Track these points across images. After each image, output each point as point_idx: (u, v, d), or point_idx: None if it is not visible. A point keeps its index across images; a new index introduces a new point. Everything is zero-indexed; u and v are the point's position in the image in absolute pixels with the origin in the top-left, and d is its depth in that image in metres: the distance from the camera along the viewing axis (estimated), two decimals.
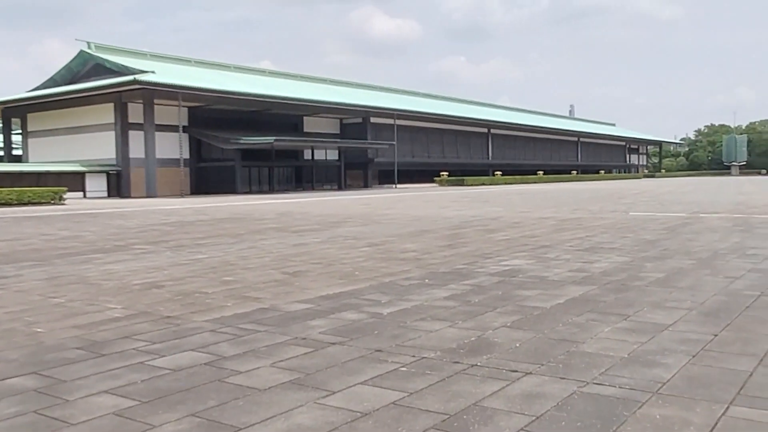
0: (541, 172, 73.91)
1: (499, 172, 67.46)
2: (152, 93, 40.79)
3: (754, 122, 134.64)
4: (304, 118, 55.05)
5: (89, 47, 45.85)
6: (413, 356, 4.43)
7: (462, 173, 64.15)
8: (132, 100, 42.14)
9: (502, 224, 15.46)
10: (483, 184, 58.49)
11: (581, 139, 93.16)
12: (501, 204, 25.14)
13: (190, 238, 13.52)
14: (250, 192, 45.71)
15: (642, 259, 9.12)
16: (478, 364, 4.23)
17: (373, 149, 55.31)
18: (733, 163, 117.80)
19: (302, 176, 52.62)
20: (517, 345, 4.68)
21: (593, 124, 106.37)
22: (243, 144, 43.67)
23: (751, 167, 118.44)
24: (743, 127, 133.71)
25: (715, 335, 4.88)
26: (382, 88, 71.92)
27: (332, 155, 54.30)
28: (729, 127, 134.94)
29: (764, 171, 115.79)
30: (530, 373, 4.01)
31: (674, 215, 17.63)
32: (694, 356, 4.33)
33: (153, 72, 40.71)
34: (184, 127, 43.45)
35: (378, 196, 36.37)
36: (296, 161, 52.49)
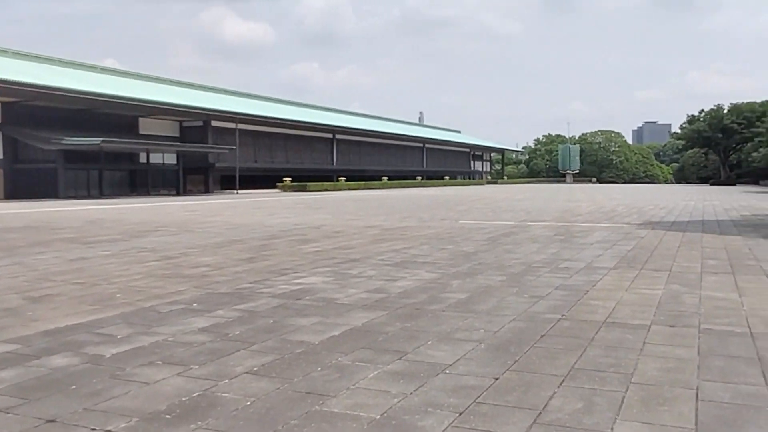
0: (386, 178, 74.21)
1: (343, 178, 66.98)
2: None
3: (586, 133, 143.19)
4: (140, 119, 51.86)
5: None
6: (92, 429, 3.23)
7: (307, 179, 62.99)
8: None
9: (322, 233, 14.48)
10: (326, 190, 57.66)
11: (427, 146, 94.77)
12: (333, 211, 24.26)
13: None
14: (75, 197, 42.15)
15: (452, 275, 8.39)
16: None
17: (215, 154, 53.01)
18: (568, 171, 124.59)
19: (137, 181, 49.43)
20: (248, 404, 3.60)
21: (439, 131, 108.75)
22: (66, 144, 40.20)
23: (583, 175, 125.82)
24: (577, 138, 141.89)
25: (496, 379, 4.04)
26: (225, 91, 69.49)
27: (171, 159, 51.41)
28: (564, 137, 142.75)
29: (594, 179, 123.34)
30: None
31: (502, 224, 17.42)
32: (460, 414, 3.43)
33: None
34: None
35: (213, 202, 34.52)
36: (131, 165, 49.19)
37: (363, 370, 4.24)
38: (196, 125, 54.77)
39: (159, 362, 4.42)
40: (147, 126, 52.42)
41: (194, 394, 3.76)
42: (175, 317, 5.85)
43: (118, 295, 6.97)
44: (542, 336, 5.12)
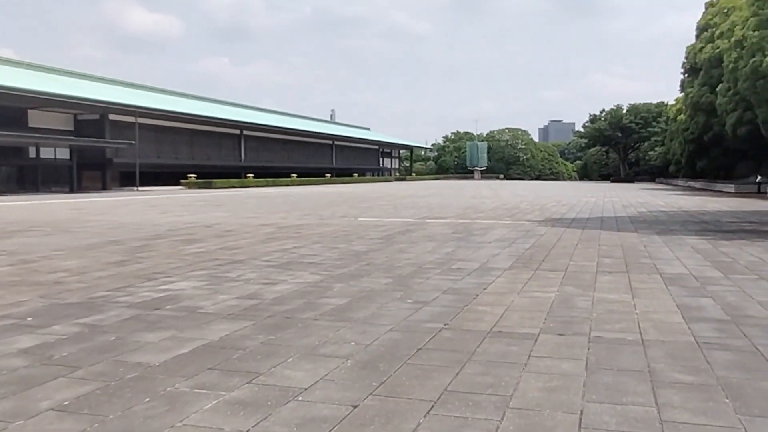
0: (295, 175, 73.06)
1: (251, 175, 65.45)
2: None
3: (494, 131, 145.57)
4: (30, 111, 48.86)
5: None
6: None
7: (214, 176, 61.10)
8: None
9: (213, 233, 13.61)
10: (233, 187, 56.11)
11: (336, 143, 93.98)
12: (233, 209, 23.26)
13: None
14: None
15: (336, 277, 7.77)
16: None
17: (112, 149, 50.54)
18: (476, 168, 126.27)
19: (26, 177, 46.57)
20: None
21: (349, 128, 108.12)
22: None
23: (491, 172, 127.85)
24: (484, 135, 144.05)
25: (355, 407, 3.44)
26: (126, 84, 66.59)
27: (63, 154, 48.67)
28: (472, 134, 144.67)
29: (502, 176, 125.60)
30: None
31: (401, 221, 16.96)
32: None
33: None
34: None
35: (107, 199, 32.73)
36: (19, 159, 46.30)
37: (200, 399, 3.56)
38: (93, 119, 52.05)
39: None
40: (37, 119, 49.42)
41: None
42: None
43: None
44: (418, 350, 4.57)
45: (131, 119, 52.36)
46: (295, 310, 5.88)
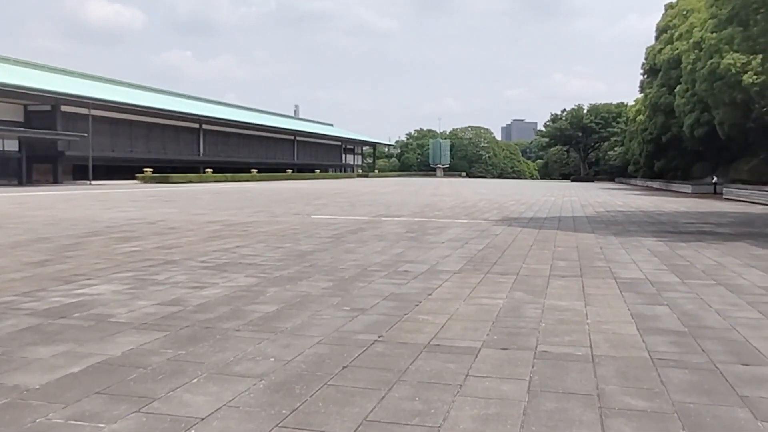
0: (255, 171, 72.03)
1: (210, 170, 64.29)
2: None
3: (457, 129, 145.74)
4: None
5: None
6: None
7: (171, 170, 59.80)
8: None
9: (155, 230, 12.93)
10: (190, 182, 54.95)
11: (298, 138, 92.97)
12: (184, 205, 22.49)
13: None
14: None
15: (273, 280, 7.24)
16: None
17: (65, 141, 49.08)
18: (438, 166, 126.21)
19: None
20: None
21: (311, 124, 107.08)
22: None
23: (453, 169, 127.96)
24: (447, 133, 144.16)
25: None
26: (81, 75, 64.84)
27: (12, 146, 47.10)
28: (436, 132, 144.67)
29: (464, 174, 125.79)
30: None
31: (355, 219, 16.45)
32: None
33: None
34: None
35: (54, 193, 31.60)
36: None
37: None
38: (44, 110, 50.45)
39: None
40: None
41: None
42: None
43: None
44: (344, 367, 4.06)
45: (85, 111, 50.93)
46: (218, 319, 5.33)
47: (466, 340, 4.74)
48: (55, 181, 50.19)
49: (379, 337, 4.82)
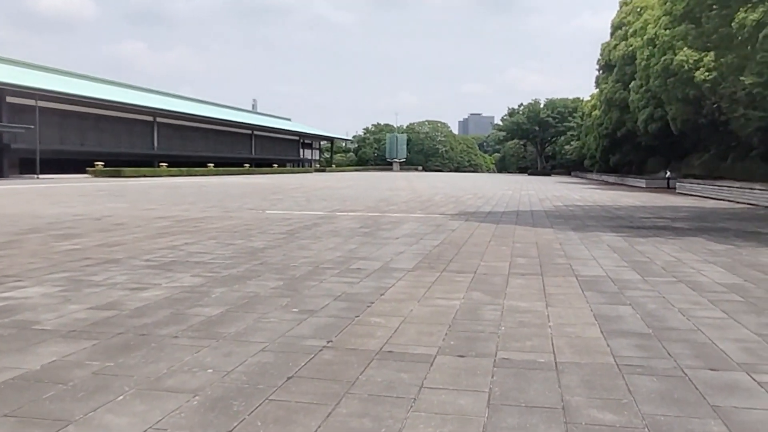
0: (212, 165, 70.89)
1: (165, 164, 63.01)
2: None
3: (414, 123, 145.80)
4: None
5: None
6: None
7: (125, 164, 58.44)
8: None
9: (99, 226, 12.38)
10: (144, 176, 53.76)
11: (256, 133, 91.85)
12: (134, 200, 21.81)
13: None
14: None
15: (220, 280, 6.84)
16: None
17: (10, 133, 47.52)
18: (395, 160, 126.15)
19: None
20: None
21: (269, 118, 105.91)
22: None
23: (410, 163, 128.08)
24: (404, 127, 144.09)
25: None
26: (28, 65, 62.91)
27: None
28: (393, 126, 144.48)
29: (421, 167, 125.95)
30: None
31: (310, 214, 16.06)
32: None
33: None
34: None
35: None
36: None
37: None
38: None
39: None
40: None
41: None
42: None
43: None
44: (289, 378, 3.72)
45: (31, 102, 49.39)
46: (155, 325, 4.94)
47: (421, 346, 4.43)
48: (1, 176, 48.62)
49: (328, 342, 4.49)
